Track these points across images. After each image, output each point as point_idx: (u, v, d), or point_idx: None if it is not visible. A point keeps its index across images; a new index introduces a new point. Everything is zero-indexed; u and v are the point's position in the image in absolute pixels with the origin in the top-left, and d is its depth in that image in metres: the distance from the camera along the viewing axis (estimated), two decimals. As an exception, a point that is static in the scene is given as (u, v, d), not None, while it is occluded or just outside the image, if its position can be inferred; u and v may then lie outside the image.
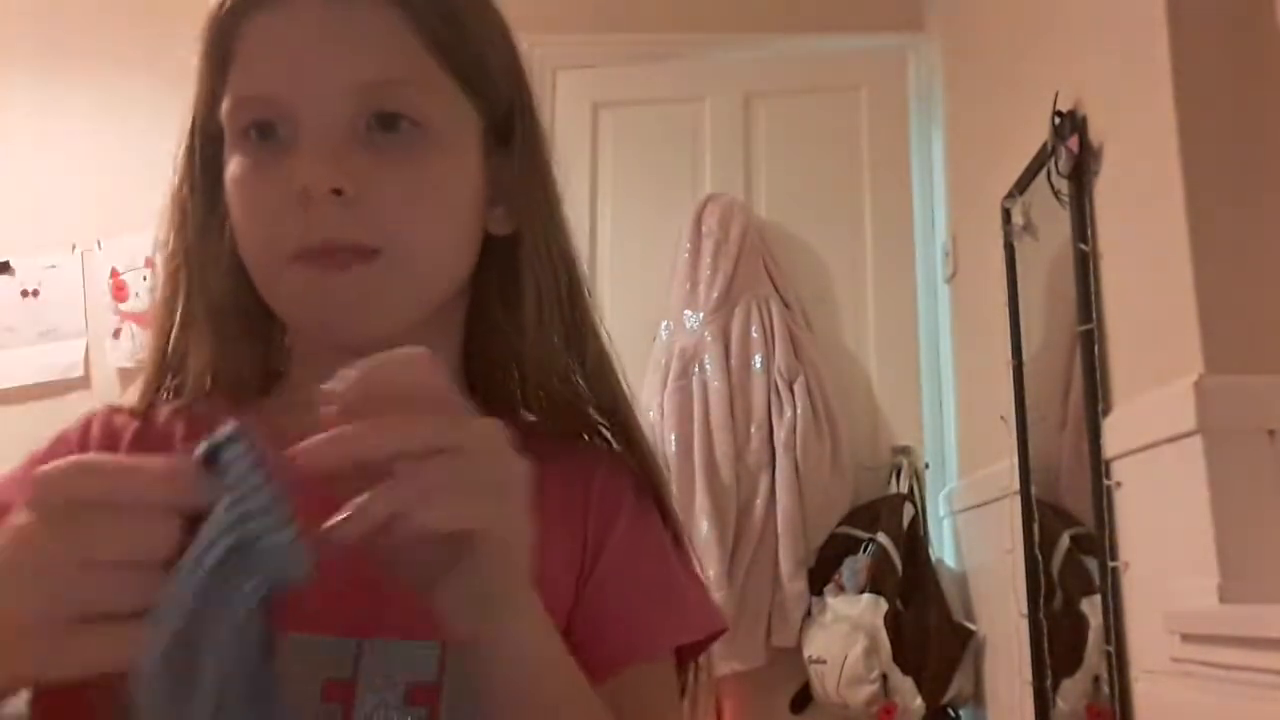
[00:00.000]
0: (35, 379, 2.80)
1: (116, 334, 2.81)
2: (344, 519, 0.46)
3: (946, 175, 2.66)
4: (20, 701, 0.53)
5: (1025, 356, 1.97)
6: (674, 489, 2.55)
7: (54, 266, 2.88)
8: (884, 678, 2.20)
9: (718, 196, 2.68)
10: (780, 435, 2.42)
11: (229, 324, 0.71)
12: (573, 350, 0.74)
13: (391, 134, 0.65)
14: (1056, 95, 1.71)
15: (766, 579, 2.38)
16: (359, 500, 0.46)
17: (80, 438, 0.70)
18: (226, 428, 0.47)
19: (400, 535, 0.47)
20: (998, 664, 2.16)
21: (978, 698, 2.26)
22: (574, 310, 0.74)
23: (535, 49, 2.86)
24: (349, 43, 0.65)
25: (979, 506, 2.27)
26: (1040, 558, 1.85)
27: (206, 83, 0.69)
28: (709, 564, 2.31)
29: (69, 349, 2.84)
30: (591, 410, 0.75)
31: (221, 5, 0.67)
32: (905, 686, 2.19)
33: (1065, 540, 1.78)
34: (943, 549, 2.51)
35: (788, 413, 2.42)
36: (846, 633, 2.23)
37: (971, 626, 2.28)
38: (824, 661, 2.25)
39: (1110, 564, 1.54)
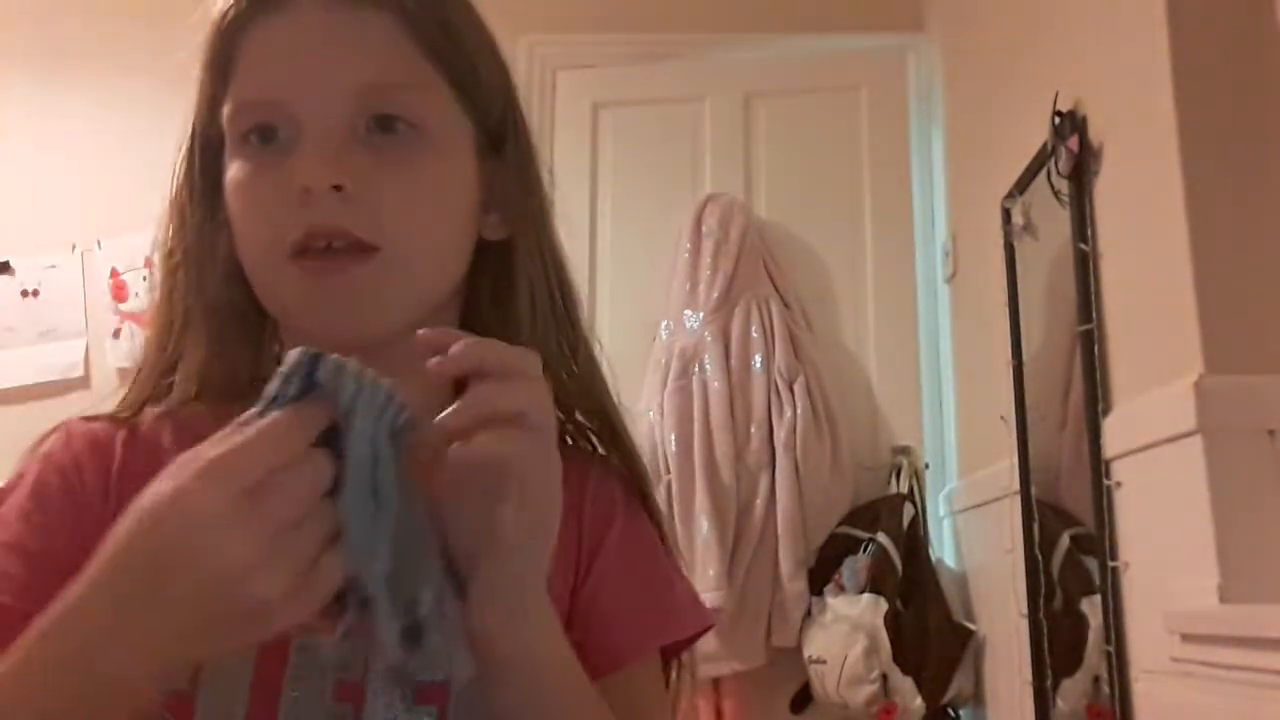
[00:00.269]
0: (35, 379, 2.80)
1: (116, 334, 2.82)
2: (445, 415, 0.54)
3: (946, 175, 2.66)
4: None
5: (1025, 356, 1.97)
6: (674, 489, 2.56)
7: (54, 266, 2.88)
8: (884, 678, 2.20)
9: (718, 196, 2.68)
10: (780, 435, 2.42)
11: (225, 328, 0.71)
12: (563, 355, 0.75)
13: (389, 135, 0.67)
14: (1056, 95, 1.71)
15: (766, 579, 2.38)
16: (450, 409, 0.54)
17: (71, 455, 0.68)
18: (295, 354, 0.51)
19: (459, 458, 0.54)
20: (998, 664, 2.16)
21: (978, 698, 2.26)
22: (565, 315, 0.76)
23: (535, 49, 2.88)
24: (349, 47, 0.67)
25: (979, 506, 2.27)
26: (1040, 558, 1.85)
27: (208, 90, 0.70)
28: (709, 564, 2.31)
29: (69, 349, 2.84)
30: (579, 414, 0.77)
31: (224, 15, 0.68)
32: (905, 686, 2.19)
33: (1065, 540, 1.78)
34: (943, 549, 2.51)
35: (788, 413, 2.42)
36: (846, 633, 2.23)
37: (971, 626, 2.28)
38: (824, 661, 2.25)
39: (1110, 564, 1.54)
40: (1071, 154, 1.66)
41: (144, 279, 2.78)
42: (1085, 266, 1.64)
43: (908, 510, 2.41)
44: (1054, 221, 1.76)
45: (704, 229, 2.61)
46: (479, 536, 0.56)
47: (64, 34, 2.95)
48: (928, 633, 2.24)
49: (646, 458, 2.47)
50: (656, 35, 2.90)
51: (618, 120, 2.89)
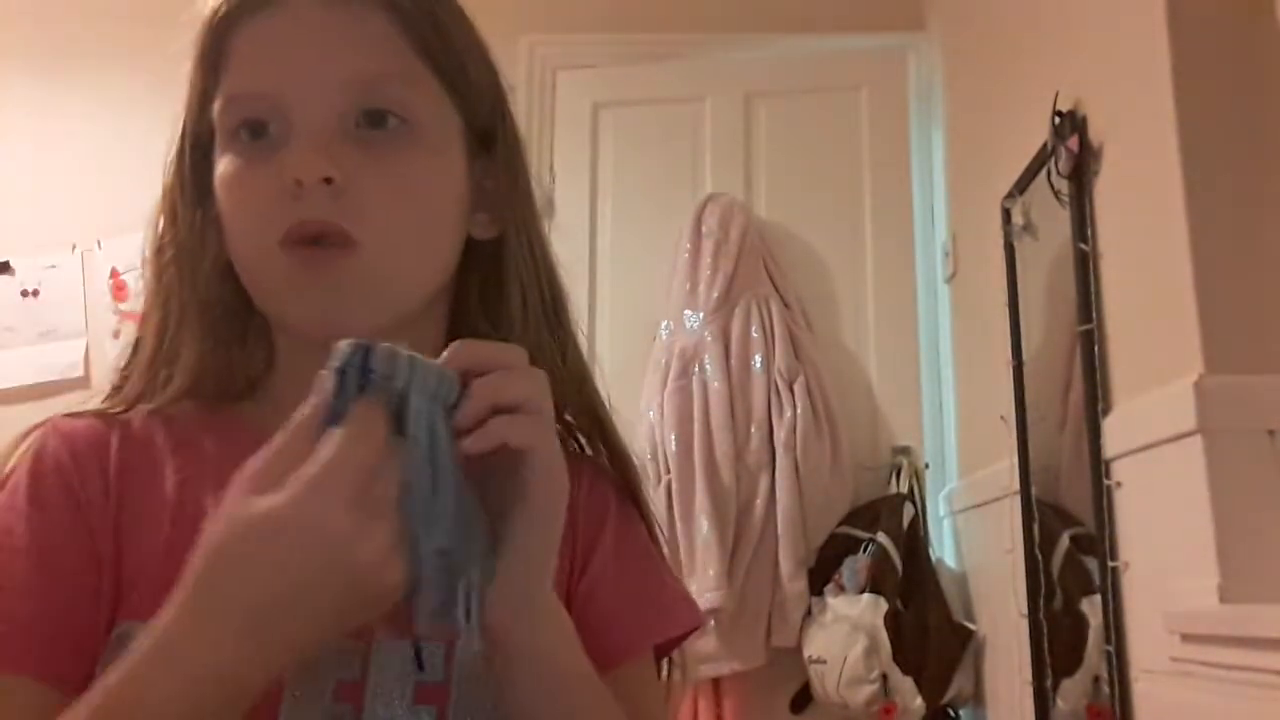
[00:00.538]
0: (35, 379, 2.80)
1: (116, 334, 2.81)
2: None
3: (946, 175, 2.66)
4: None
5: (1025, 356, 1.96)
6: (674, 489, 2.55)
7: (54, 266, 2.88)
8: (884, 678, 2.20)
9: (718, 196, 2.68)
10: (780, 435, 2.42)
11: (217, 325, 0.72)
12: (553, 354, 0.75)
13: (380, 130, 0.67)
14: (1056, 95, 1.71)
15: (766, 579, 2.38)
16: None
17: (67, 453, 0.67)
18: (345, 346, 0.53)
19: (474, 446, 0.56)
20: (998, 664, 2.16)
21: (978, 698, 2.26)
22: (555, 315, 0.76)
23: (535, 49, 2.88)
24: (341, 41, 0.67)
25: (979, 506, 2.27)
26: (1040, 558, 1.85)
27: (199, 86, 0.70)
28: (709, 564, 2.31)
29: (69, 349, 2.85)
30: (569, 413, 0.77)
31: (215, 11, 0.68)
32: (905, 686, 2.19)
33: (1065, 540, 1.78)
34: (943, 549, 2.51)
35: (788, 413, 2.42)
36: (846, 633, 2.23)
37: (971, 626, 2.28)
38: (824, 661, 2.25)
39: (1110, 564, 1.54)
40: (1071, 154, 1.66)
41: (142, 279, 2.78)
42: (1085, 266, 1.64)
43: (908, 510, 2.41)
44: (1054, 221, 1.76)
45: (704, 229, 2.61)
46: (493, 528, 0.58)
47: (64, 34, 2.95)
48: (928, 633, 2.24)
49: (646, 458, 2.50)
50: (656, 35, 2.90)
51: (618, 120, 2.89)
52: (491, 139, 0.74)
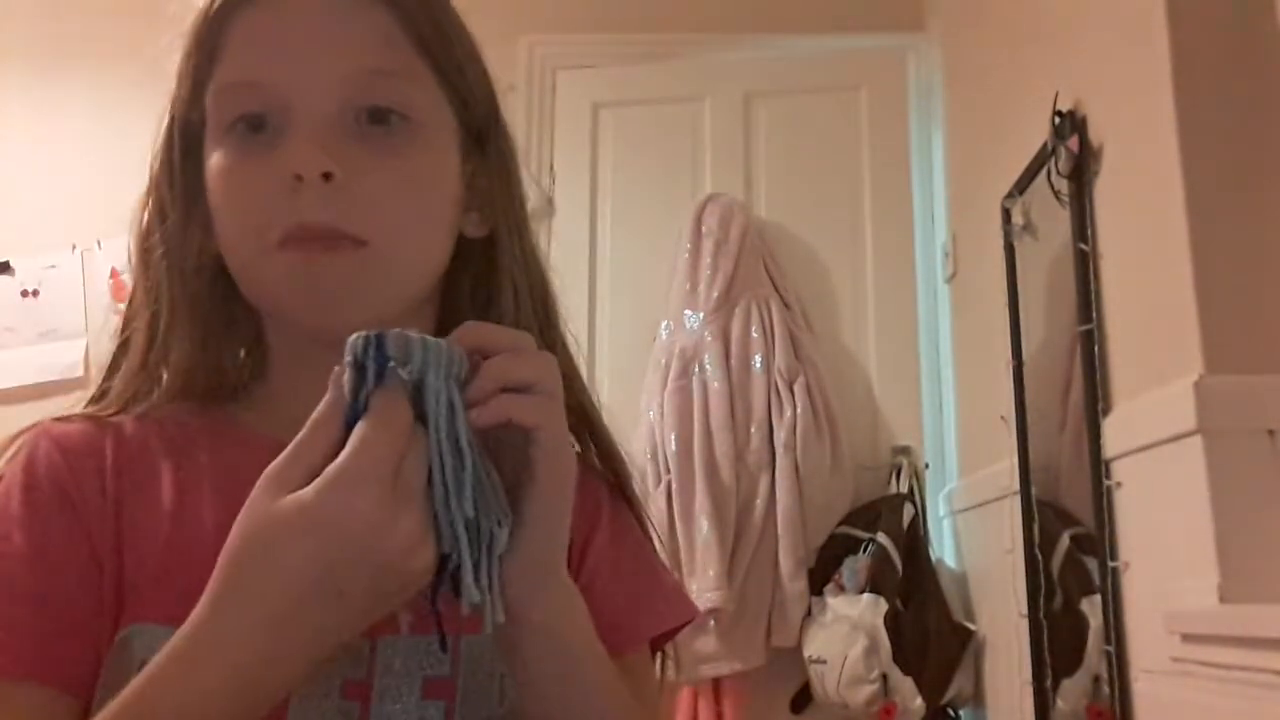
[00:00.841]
0: (35, 379, 2.80)
1: (118, 334, 2.81)
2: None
3: (946, 175, 2.66)
4: None
5: (1025, 356, 1.96)
6: (674, 489, 2.55)
7: (54, 266, 2.89)
8: (884, 678, 2.20)
9: (718, 196, 2.68)
10: (780, 435, 2.42)
11: (209, 324, 0.71)
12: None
13: (381, 126, 0.67)
14: (1056, 95, 1.71)
15: (766, 579, 2.38)
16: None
17: (61, 457, 0.66)
18: (358, 340, 0.54)
19: (480, 420, 0.56)
20: (998, 664, 2.16)
21: (978, 698, 2.26)
22: (545, 313, 0.77)
23: (535, 49, 2.88)
24: (343, 35, 0.67)
25: (979, 506, 2.27)
26: (1040, 558, 1.85)
27: (192, 75, 0.69)
28: (709, 564, 2.31)
29: (69, 349, 2.85)
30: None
31: (211, 2, 0.67)
32: (905, 686, 2.19)
33: (1065, 540, 1.78)
34: (943, 549, 2.51)
35: (788, 413, 2.42)
36: (846, 633, 2.23)
37: (971, 626, 2.28)
38: (824, 661, 2.25)
39: (1110, 564, 1.54)
40: (1071, 154, 1.66)
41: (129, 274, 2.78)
42: (1085, 266, 1.64)
43: (908, 510, 2.41)
44: (1054, 221, 1.76)
45: (704, 229, 2.61)
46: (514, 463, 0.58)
47: (64, 33, 2.95)
48: (928, 633, 2.24)
49: (646, 458, 2.49)
50: (656, 35, 2.90)
51: (618, 120, 2.89)
52: (484, 138, 0.74)
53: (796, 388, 2.44)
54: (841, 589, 2.33)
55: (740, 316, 2.52)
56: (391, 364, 0.54)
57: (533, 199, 0.79)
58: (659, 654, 0.77)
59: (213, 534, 0.55)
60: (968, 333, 2.47)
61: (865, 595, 2.27)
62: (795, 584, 2.36)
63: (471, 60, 0.73)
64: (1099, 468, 1.57)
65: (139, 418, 0.70)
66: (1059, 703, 1.77)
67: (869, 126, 2.79)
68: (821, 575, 2.38)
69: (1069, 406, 1.73)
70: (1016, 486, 1.94)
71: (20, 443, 0.67)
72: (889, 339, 2.67)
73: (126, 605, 0.62)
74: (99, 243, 2.84)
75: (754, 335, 2.50)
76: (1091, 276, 1.63)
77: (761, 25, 2.87)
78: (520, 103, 2.79)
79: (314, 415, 0.54)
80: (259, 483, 0.53)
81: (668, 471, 2.42)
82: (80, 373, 2.81)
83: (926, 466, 2.56)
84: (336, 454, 0.52)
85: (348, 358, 0.54)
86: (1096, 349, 1.60)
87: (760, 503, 2.40)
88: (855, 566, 2.33)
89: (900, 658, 2.20)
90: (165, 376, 0.70)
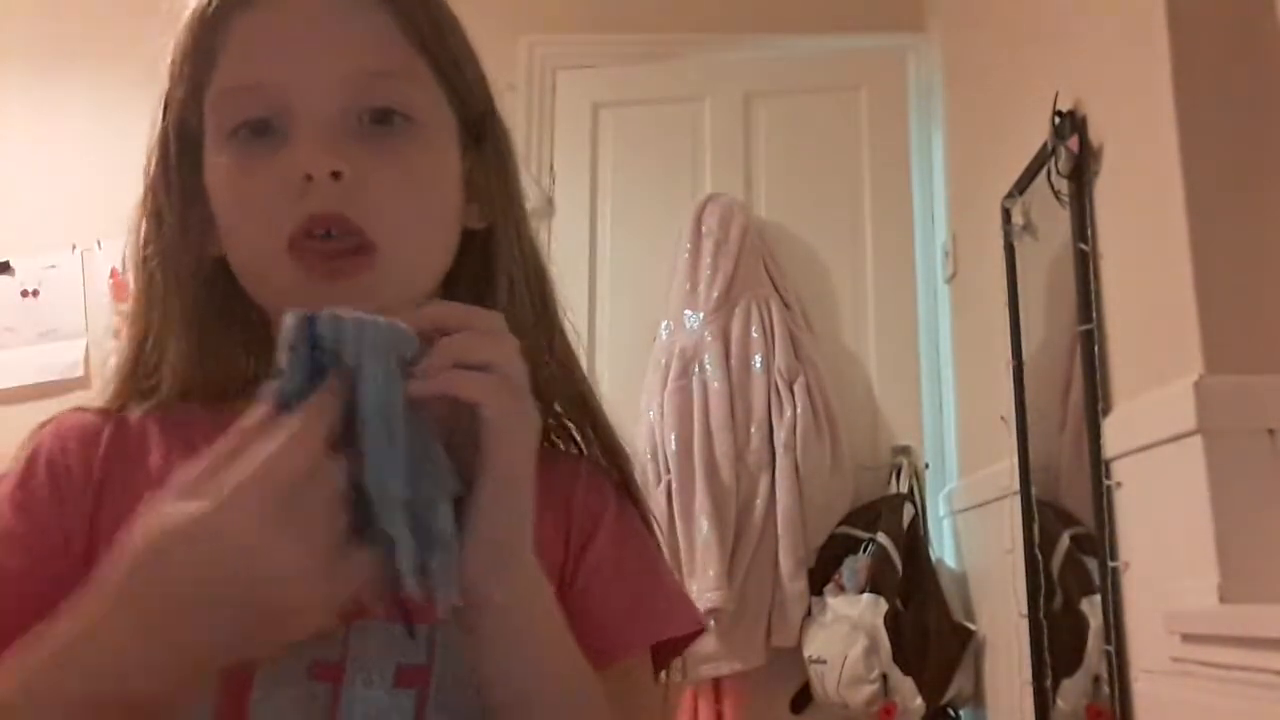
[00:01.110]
0: (35, 379, 2.80)
1: (117, 334, 2.81)
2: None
3: (946, 175, 2.66)
4: None
5: (1025, 356, 1.96)
6: (674, 489, 2.55)
7: (54, 266, 2.89)
8: (884, 678, 2.20)
9: (718, 196, 2.68)
10: (780, 435, 2.42)
11: (208, 327, 0.71)
12: (541, 342, 0.75)
13: (384, 127, 0.67)
14: (1056, 95, 1.71)
15: (766, 579, 2.38)
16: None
17: (59, 444, 0.68)
18: (290, 320, 0.53)
19: (418, 391, 0.54)
20: (998, 664, 2.16)
21: (978, 698, 2.26)
22: (542, 304, 0.76)
23: (535, 49, 2.88)
24: (344, 36, 0.67)
25: (979, 506, 2.27)
26: (1040, 558, 1.85)
27: (189, 78, 0.68)
28: (709, 564, 2.31)
29: (69, 349, 2.85)
30: (559, 403, 0.77)
31: (208, 4, 0.67)
32: (905, 686, 2.19)
33: (1065, 540, 1.78)
34: (943, 549, 2.51)
35: (788, 413, 2.42)
36: (846, 633, 2.23)
37: (971, 626, 2.28)
38: (824, 661, 2.25)
39: (1110, 564, 1.54)
40: (1071, 154, 1.66)
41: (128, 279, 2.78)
42: (1085, 266, 1.64)
43: (908, 510, 2.41)
44: (1054, 221, 1.76)
45: (704, 229, 2.61)
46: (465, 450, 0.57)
47: (64, 33, 2.95)
48: (928, 633, 2.24)
49: (646, 458, 2.49)
50: (656, 35, 2.90)
51: (618, 120, 2.89)
52: (481, 133, 0.74)
53: (796, 388, 2.44)
54: (841, 589, 2.33)
55: (740, 316, 2.52)
56: (324, 348, 0.53)
57: (531, 196, 0.79)
58: (667, 666, 0.75)
59: None
60: (968, 333, 2.47)
61: (865, 595, 2.27)
62: (795, 584, 2.36)
63: (468, 56, 0.73)
64: (1099, 468, 1.57)
65: (146, 413, 0.70)
66: (1059, 703, 1.77)
67: (869, 126, 2.79)
68: (821, 575, 2.38)
69: (1069, 406, 1.73)
70: (1016, 486, 1.94)
71: (45, 430, 0.69)
72: (889, 339, 2.67)
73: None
74: (99, 243, 2.84)
75: (754, 335, 2.50)
76: (1091, 276, 1.63)
77: (761, 25, 2.87)
78: (520, 103, 2.79)
79: (239, 422, 0.53)
80: (171, 484, 0.52)
81: (668, 471, 2.42)
82: (80, 373, 2.82)
83: (926, 466, 2.56)
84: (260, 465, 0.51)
85: (283, 342, 0.53)
86: (1096, 349, 1.60)
87: (760, 503, 2.40)
88: (855, 566, 2.33)
89: (900, 658, 2.20)
90: (160, 380, 0.71)
